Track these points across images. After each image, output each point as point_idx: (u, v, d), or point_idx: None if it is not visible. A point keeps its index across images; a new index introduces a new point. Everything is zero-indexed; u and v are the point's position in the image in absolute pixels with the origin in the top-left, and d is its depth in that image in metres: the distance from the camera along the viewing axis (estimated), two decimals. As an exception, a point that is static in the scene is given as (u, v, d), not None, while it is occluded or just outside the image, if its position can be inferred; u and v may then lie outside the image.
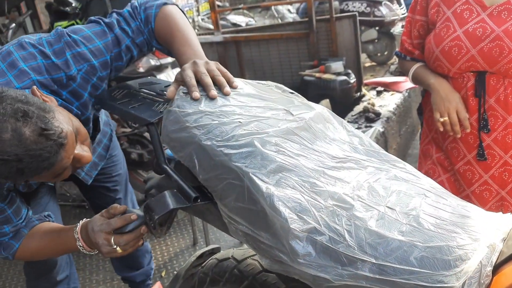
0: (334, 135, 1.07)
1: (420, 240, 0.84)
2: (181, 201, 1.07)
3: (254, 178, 0.91)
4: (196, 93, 1.09)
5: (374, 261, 0.83)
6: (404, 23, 1.96)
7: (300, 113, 1.07)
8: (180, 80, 1.16)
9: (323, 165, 0.97)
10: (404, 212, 0.90)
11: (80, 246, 1.27)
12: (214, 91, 1.09)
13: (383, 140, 3.56)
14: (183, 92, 1.13)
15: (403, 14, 6.52)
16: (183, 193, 1.08)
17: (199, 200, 1.06)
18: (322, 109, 1.13)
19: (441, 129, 1.67)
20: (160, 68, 3.51)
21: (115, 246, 1.17)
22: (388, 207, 0.90)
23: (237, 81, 1.16)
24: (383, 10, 6.42)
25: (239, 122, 1.02)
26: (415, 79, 1.82)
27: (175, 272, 1.48)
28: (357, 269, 0.83)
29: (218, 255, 1.43)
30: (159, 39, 1.41)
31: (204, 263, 1.45)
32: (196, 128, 1.03)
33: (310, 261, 0.86)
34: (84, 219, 1.29)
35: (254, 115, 1.04)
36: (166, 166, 1.16)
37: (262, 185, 0.90)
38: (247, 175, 0.93)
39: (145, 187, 1.34)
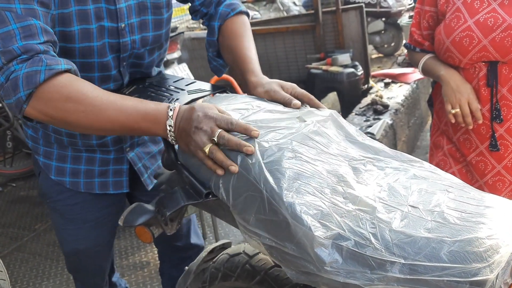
0: (348, 139, 1.07)
1: (448, 235, 0.82)
2: (193, 197, 1.07)
3: (274, 187, 0.90)
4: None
5: (403, 261, 0.81)
6: (411, 14, 1.94)
7: (313, 118, 1.07)
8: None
9: (340, 169, 0.96)
10: (427, 209, 0.88)
11: (170, 126, 1.06)
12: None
13: (391, 133, 3.54)
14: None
15: (409, 4, 6.46)
16: (194, 188, 1.08)
17: (210, 196, 1.05)
18: (333, 113, 1.13)
19: (453, 121, 1.66)
20: (167, 63, 3.51)
21: (208, 147, 1.02)
22: (411, 206, 0.89)
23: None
24: (390, 0, 6.36)
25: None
26: (425, 71, 1.80)
27: (185, 267, 1.48)
28: (386, 271, 0.81)
29: (229, 250, 1.42)
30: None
31: (215, 258, 1.44)
32: None
33: (337, 268, 0.84)
34: (176, 103, 1.09)
35: (270, 125, 1.04)
36: (176, 162, 1.15)
37: (282, 194, 0.89)
38: (266, 185, 0.91)
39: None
